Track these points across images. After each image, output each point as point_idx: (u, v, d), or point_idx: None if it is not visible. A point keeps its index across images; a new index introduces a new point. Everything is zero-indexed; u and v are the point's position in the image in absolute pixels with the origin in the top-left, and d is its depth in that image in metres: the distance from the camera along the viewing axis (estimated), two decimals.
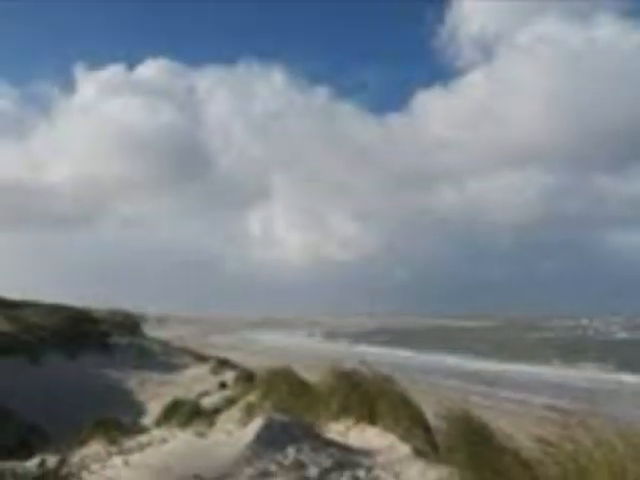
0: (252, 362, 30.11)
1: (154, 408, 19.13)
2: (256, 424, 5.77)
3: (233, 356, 36.81)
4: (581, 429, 3.37)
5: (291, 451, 5.16)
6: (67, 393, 20.98)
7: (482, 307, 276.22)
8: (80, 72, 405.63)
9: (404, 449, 5.48)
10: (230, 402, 14.63)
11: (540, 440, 3.63)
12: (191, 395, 19.99)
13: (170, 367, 30.90)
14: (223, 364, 30.65)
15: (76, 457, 6.70)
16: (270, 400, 9.53)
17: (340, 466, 4.95)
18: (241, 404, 11.84)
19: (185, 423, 12.17)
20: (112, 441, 8.96)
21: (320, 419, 7.11)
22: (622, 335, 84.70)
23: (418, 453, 5.31)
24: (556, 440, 3.52)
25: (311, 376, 9.13)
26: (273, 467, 4.76)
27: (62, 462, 5.86)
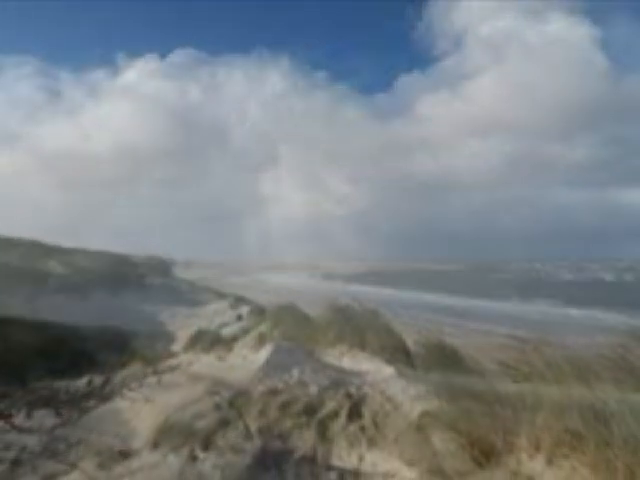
0: (263, 298, 30.26)
1: (182, 337, 19.32)
2: (267, 350, 5.93)
3: (247, 294, 36.91)
4: (535, 354, 3.39)
5: (295, 372, 5.31)
6: (110, 324, 21.30)
7: (453, 253, 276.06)
8: (122, 60, 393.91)
9: (389, 370, 5.59)
10: (245, 332, 14.68)
11: (501, 363, 3.67)
12: (213, 326, 20.09)
13: (195, 302, 31.10)
14: (239, 300, 30.73)
15: (118, 377, 6.75)
16: (278, 330, 9.56)
17: (336, 384, 5.07)
18: (254, 333, 11.93)
19: (208, 349, 12.30)
20: (148, 363, 9.11)
21: (319, 346, 7.17)
22: (569, 277, 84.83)
23: (400, 374, 5.40)
24: (514, 363, 3.55)
25: (311, 310, 9.15)
26: (280, 385, 4.93)
27: (106, 381, 5.90)
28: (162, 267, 43.97)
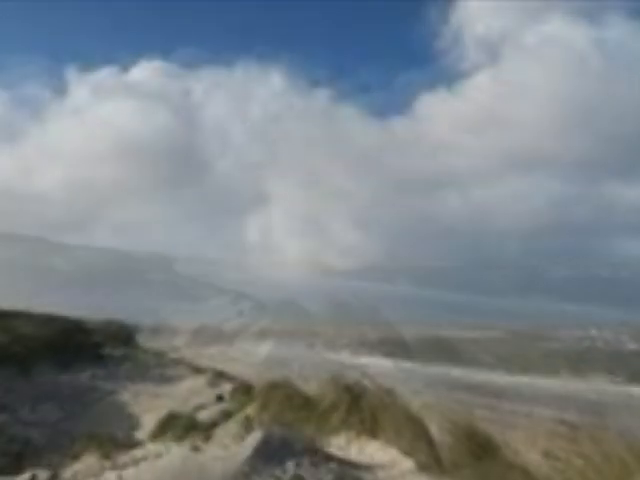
0: (250, 373, 26.76)
1: (149, 421, 17.04)
2: (254, 438, 4.89)
3: (230, 367, 32.50)
4: (590, 443, 2.95)
5: (290, 466, 4.43)
6: (59, 406, 18.94)
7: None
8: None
9: (407, 464, 4.68)
10: (227, 415, 12.23)
11: (548, 455, 3.19)
12: (187, 408, 17.50)
13: (165, 379, 27.25)
14: (220, 376, 27.41)
15: (68, 472, 5.82)
16: (268, 413, 8.17)
17: None
18: (238, 417, 10.10)
19: (180, 437, 10.34)
20: (105, 455, 7.84)
21: (320, 433, 5.96)
22: (632, 346, 77.02)
23: (422, 468, 4.51)
24: (564, 455, 3.08)
25: (311, 388, 7.90)
26: None
27: (54, 478, 5.28)
28: (123, 334, 39.84)
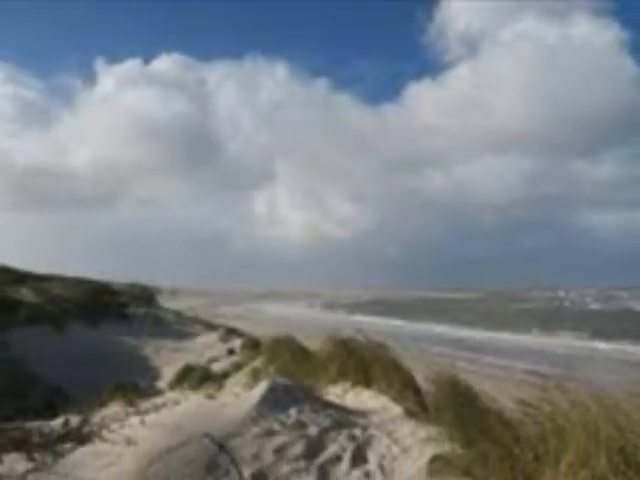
0: (258, 330, 25.45)
1: (168, 373, 16.44)
2: (261, 387, 4.95)
3: (240, 325, 31.52)
4: (558, 392, 2.96)
5: (293, 412, 4.47)
6: (89, 359, 18.11)
7: (468, 280, 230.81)
8: (100, 66, 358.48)
9: (396, 410, 4.73)
10: (237, 367, 12.74)
11: (521, 402, 3.24)
12: (202, 361, 17.21)
13: (183, 335, 26.41)
14: (231, 332, 26.26)
15: (97, 417, 5.72)
16: (274, 365, 8.30)
17: (338, 425, 4.31)
18: (247, 369, 10.46)
19: (196, 386, 10.79)
20: (130, 402, 8.06)
21: (320, 383, 6.08)
22: (595, 306, 71.74)
23: (409, 413, 4.59)
24: (535, 402, 3.09)
25: (311, 343, 8.10)
26: (276, 426, 4.16)
27: (84, 421, 5.25)
28: (145, 295, 36.40)
